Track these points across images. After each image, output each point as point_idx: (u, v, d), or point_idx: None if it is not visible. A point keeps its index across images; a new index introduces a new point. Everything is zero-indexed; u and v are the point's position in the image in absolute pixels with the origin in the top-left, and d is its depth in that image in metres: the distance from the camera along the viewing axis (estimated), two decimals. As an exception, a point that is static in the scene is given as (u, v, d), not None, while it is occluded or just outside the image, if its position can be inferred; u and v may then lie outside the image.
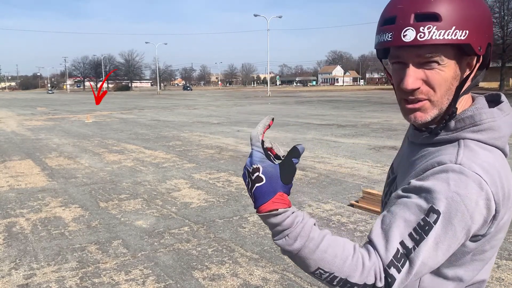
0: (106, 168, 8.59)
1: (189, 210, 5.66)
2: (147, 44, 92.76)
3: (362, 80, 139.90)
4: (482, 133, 0.92)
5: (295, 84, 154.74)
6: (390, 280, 0.83)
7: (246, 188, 0.99)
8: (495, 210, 0.86)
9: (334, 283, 0.85)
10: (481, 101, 0.97)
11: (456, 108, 0.93)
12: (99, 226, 5.11)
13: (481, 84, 56.78)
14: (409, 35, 0.86)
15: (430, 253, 0.84)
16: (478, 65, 0.92)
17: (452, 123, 0.94)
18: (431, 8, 0.86)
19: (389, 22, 0.90)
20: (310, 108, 26.74)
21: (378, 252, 0.85)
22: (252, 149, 0.89)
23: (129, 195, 6.48)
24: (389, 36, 0.89)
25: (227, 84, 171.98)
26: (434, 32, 0.85)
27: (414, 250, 0.83)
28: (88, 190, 6.84)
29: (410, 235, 0.84)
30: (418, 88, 0.91)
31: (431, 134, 0.97)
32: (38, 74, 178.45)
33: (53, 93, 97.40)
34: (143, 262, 4.05)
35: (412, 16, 0.86)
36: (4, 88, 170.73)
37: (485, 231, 0.89)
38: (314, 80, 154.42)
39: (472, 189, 0.84)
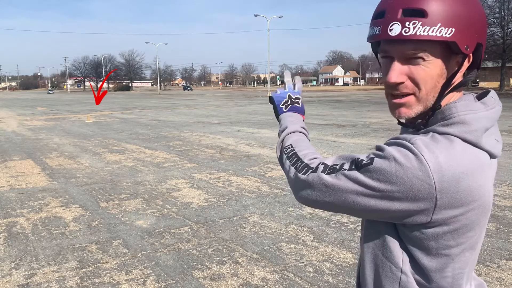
0: (107, 168, 8.60)
1: (190, 210, 5.67)
2: (148, 44, 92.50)
3: (363, 80, 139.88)
4: (452, 126, 0.91)
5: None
6: (314, 168, 0.98)
7: (276, 104, 1.29)
8: (436, 198, 0.86)
9: (289, 155, 1.09)
10: (466, 97, 0.97)
11: (440, 106, 0.94)
12: (99, 226, 5.11)
13: (482, 84, 56.80)
14: (395, 29, 0.88)
15: (348, 183, 0.92)
16: (467, 64, 0.93)
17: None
18: (419, 4, 0.87)
19: (379, 16, 0.93)
20: (310, 108, 26.73)
21: (327, 158, 1.02)
22: (296, 83, 1.34)
23: (130, 195, 6.49)
24: (378, 30, 0.92)
25: (228, 84, 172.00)
26: (418, 27, 0.86)
27: (343, 170, 0.93)
28: (88, 190, 6.84)
29: (350, 162, 0.94)
30: (403, 83, 0.93)
31: (414, 129, 0.99)
32: (39, 74, 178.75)
33: (53, 93, 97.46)
34: (144, 262, 4.05)
35: (400, 11, 0.88)
36: (5, 88, 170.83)
37: (428, 219, 0.89)
38: (314, 80, 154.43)
39: (410, 164, 0.85)
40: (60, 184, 7.29)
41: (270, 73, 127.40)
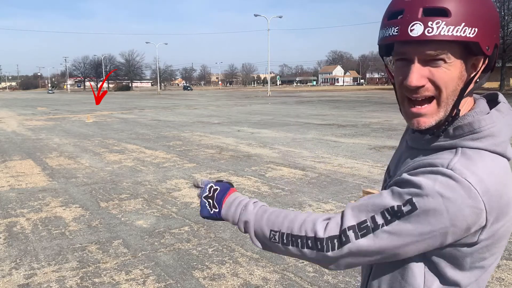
0: (107, 168, 8.60)
1: (190, 210, 5.67)
2: (148, 44, 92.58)
3: (362, 80, 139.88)
4: (482, 140, 0.88)
5: (295, 84, 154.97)
6: (342, 238, 0.88)
7: (209, 215, 1.12)
8: (487, 220, 0.83)
9: (285, 241, 0.95)
10: (481, 104, 0.94)
11: (459, 110, 0.90)
12: (99, 226, 5.11)
13: (482, 84, 56.92)
14: (417, 29, 0.83)
15: (394, 240, 0.85)
16: (483, 66, 0.89)
17: (451, 130, 0.91)
18: (440, 2, 0.83)
19: (395, 15, 0.87)
20: (310, 108, 26.74)
21: (343, 216, 0.90)
22: (199, 182, 1.18)
23: (130, 195, 6.49)
24: (395, 31, 0.86)
25: (228, 84, 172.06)
26: (442, 27, 0.82)
27: (381, 227, 0.85)
28: (88, 190, 6.84)
29: (382, 213, 0.85)
30: (423, 86, 0.87)
31: (433, 136, 0.93)
32: (39, 74, 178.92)
33: (53, 93, 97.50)
34: (144, 262, 4.05)
35: (421, 10, 0.83)
36: (5, 88, 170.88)
37: (475, 239, 0.86)
38: (314, 80, 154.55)
39: (458, 195, 0.81)
40: (60, 184, 7.30)
41: (270, 73, 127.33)
